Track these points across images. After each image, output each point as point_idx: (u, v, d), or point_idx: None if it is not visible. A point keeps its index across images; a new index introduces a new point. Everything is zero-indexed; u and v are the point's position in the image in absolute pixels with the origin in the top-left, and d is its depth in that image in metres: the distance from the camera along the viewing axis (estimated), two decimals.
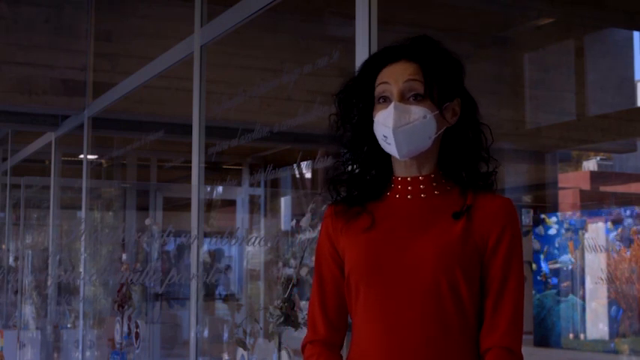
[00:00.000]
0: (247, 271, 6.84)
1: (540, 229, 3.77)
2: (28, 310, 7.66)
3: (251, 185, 7.53)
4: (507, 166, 5.27)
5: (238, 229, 7.49)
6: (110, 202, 7.37)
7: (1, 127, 7.70)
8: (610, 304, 3.51)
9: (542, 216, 3.81)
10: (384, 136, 1.77)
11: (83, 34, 5.56)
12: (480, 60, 4.95)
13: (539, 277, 3.75)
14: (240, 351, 3.78)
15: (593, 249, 3.58)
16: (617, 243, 3.48)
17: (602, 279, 3.53)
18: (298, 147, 4.08)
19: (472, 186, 1.80)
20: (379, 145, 1.81)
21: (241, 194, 7.41)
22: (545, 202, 5.97)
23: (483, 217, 1.76)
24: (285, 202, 7.17)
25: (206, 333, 4.59)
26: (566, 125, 5.51)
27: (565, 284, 3.67)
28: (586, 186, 6.10)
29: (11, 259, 8.87)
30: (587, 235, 3.59)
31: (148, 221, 5.61)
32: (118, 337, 5.33)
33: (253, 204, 7.48)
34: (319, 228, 1.96)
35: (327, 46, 3.11)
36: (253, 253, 6.37)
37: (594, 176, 6.22)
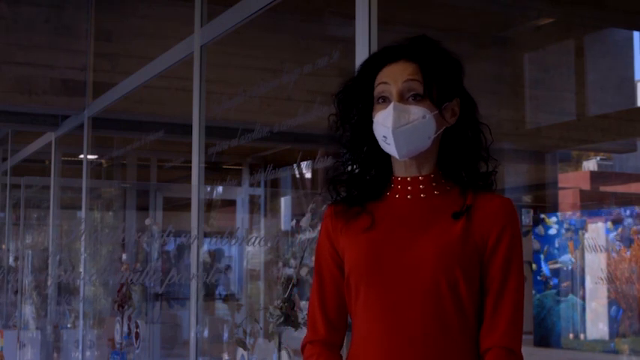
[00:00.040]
0: (247, 271, 6.84)
1: (540, 229, 3.77)
2: (28, 310, 7.66)
3: (251, 185, 7.53)
4: (507, 166, 5.27)
5: (238, 229, 7.49)
6: (110, 202, 7.38)
7: (1, 127, 7.70)
8: (610, 304, 3.51)
9: (542, 216, 3.81)
10: (384, 137, 1.77)
11: (83, 34, 5.56)
12: (480, 60, 4.95)
13: (539, 277, 3.75)
14: (240, 351, 3.78)
15: (593, 249, 3.58)
16: (617, 243, 3.48)
17: (602, 279, 3.53)
18: (298, 147, 4.08)
19: (472, 186, 1.80)
20: (379, 145, 1.81)
21: (241, 194, 7.41)
22: (545, 202, 5.97)
23: (483, 217, 1.76)
24: (285, 202, 7.17)
25: (206, 333, 4.59)
26: (566, 125, 5.51)
27: (565, 284, 3.67)
28: (586, 186, 6.10)
29: (11, 259, 8.87)
30: (587, 235, 3.59)
31: (148, 221, 5.62)
32: (118, 337, 5.33)
33: (253, 204, 7.48)
34: (319, 228, 1.96)
35: (327, 46, 3.11)
36: (253, 253, 6.37)
37: (594, 176, 6.22)
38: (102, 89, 5.47)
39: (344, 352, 1.89)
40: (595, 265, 3.57)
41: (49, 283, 6.87)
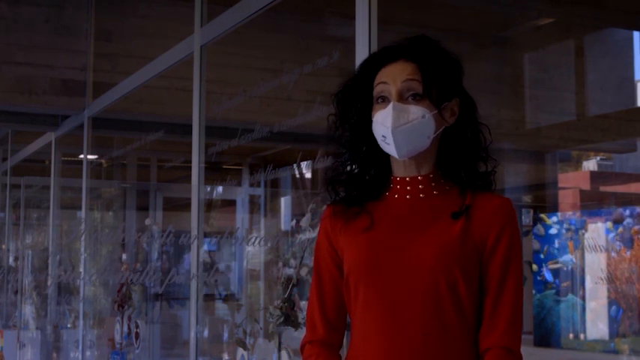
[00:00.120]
0: (247, 271, 6.83)
1: (540, 229, 3.77)
2: (28, 310, 7.66)
3: (251, 185, 7.53)
4: (507, 166, 5.27)
5: (238, 229, 7.49)
6: (110, 202, 7.38)
7: (1, 127, 7.70)
8: (610, 304, 3.51)
9: (542, 216, 3.81)
10: (383, 136, 1.77)
11: (83, 34, 5.56)
12: (480, 60, 4.95)
13: (539, 277, 3.75)
14: (240, 351, 3.78)
15: (593, 249, 3.58)
16: (617, 243, 3.48)
17: (602, 279, 3.53)
18: (298, 147, 4.08)
19: (471, 186, 1.80)
20: (378, 145, 1.81)
21: (241, 194, 7.41)
22: (545, 202, 5.97)
23: (482, 217, 1.76)
24: (285, 202, 7.17)
25: (206, 333, 4.59)
26: (566, 125, 5.51)
27: (565, 284, 3.67)
28: (586, 186, 6.10)
29: (11, 259, 8.87)
30: (587, 235, 3.60)
31: (148, 221, 5.62)
32: (118, 337, 5.33)
33: (253, 204, 7.48)
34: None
35: (327, 46, 3.11)
36: (253, 253, 6.37)
37: (594, 176, 6.22)
38: (102, 89, 5.47)
39: (343, 353, 1.89)
40: (595, 265, 3.57)
41: (49, 283, 6.87)
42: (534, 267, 3.76)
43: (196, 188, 4.03)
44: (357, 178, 1.87)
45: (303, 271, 3.32)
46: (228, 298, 6.54)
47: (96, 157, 6.60)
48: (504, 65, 5.34)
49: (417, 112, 1.75)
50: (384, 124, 1.76)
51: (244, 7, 3.67)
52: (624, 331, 3.46)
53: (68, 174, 7.11)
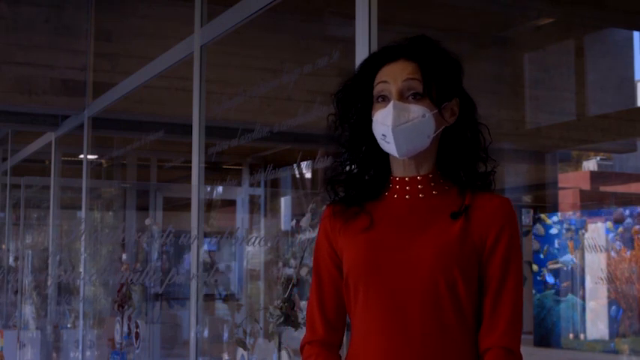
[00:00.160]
0: (247, 271, 6.83)
1: (540, 229, 3.77)
2: (28, 310, 7.66)
3: (251, 185, 7.53)
4: (507, 166, 5.27)
5: (238, 229, 7.49)
6: (110, 202, 7.38)
7: (1, 127, 7.70)
8: (610, 304, 3.51)
9: (542, 216, 3.81)
10: (383, 135, 1.77)
11: (83, 34, 5.56)
12: (480, 60, 4.95)
13: (539, 278, 3.75)
14: (240, 351, 3.78)
15: (593, 249, 3.58)
16: (617, 243, 3.48)
17: (602, 279, 3.53)
18: (298, 147, 4.08)
19: (470, 186, 1.80)
20: (377, 145, 1.81)
21: (241, 194, 7.41)
22: (545, 202, 5.97)
23: (482, 217, 1.76)
24: (285, 202, 7.17)
25: (206, 333, 4.59)
26: (566, 125, 5.51)
27: (565, 284, 3.67)
28: (586, 186, 6.10)
29: (11, 259, 8.87)
30: (587, 235, 3.60)
31: (148, 221, 5.62)
32: (118, 337, 5.33)
33: (253, 204, 7.48)
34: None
35: (327, 46, 3.11)
36: (253, 253, 6.37)
37: (594, 176, 6.22)
38: (102, 89, 5.47)
39: (343, 353, 1.89)
40: (595, 265, 3.57)
41: (49, 283, 6.87)
42: (534, 267, 3.76)
43: (196, 188, 4.03)
44: (356, 178, 1.87)
45: (303, 271, 3.32)
46: (228, 298, 6.54)
47: (96, 157, 6.60)
48: (504, 65, 5.34)
49: (417, 111, 1.75)
50: (384, 122, 1.76)
51: (244, 7, 3.67)
52: (624, 331, 3.46)
53: (68, 174, 7.11)
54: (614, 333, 3.49)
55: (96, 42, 5.55)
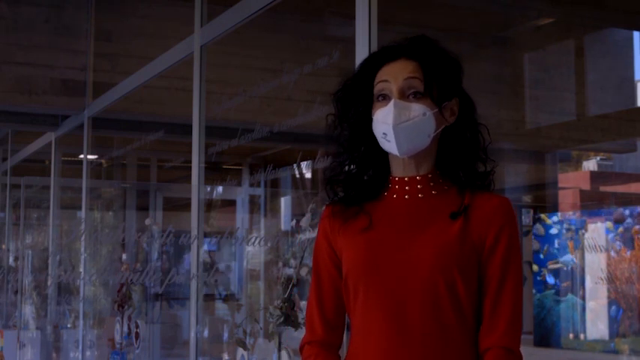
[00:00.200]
0: (247, 271, 6.84)
1: (540, 229, 3.77)
2: (28, 310, 7.66)
3: (251, 185, 7.53)
4: (507, 166, 5.28)
5: (238, 229, 7.49)
6: (110, 202, 7.38)
7: (1, 127, 7.70)
8: (610, 304, 3.51)
9: (542, 216, 3.81)
10: (384, 134, 1.77)
11: (83, 34, 5.56)
12: (480, 60, 4.95)
13: (539, 278, 3.75)
14: (240, 351, 3.78)
15: (593, 249, 3.58)
16: (617, 243, 3.48)
17: (602, 279, 3.53)
18: (298, 147, 4.08)
19: (470, 186, 1.80)
20: (377, 145, 1.81)
21: (241, 194, 7.41)
22: (545, 202, 5.97)
23: (481, 217, 1.76)
24: (285, 202, 7.17)
25: (206, 333, 4.59)
26: (566, 125, 5.51)
27: (565, 284, 3.67)
28: (586, 186, 6.10)
29: (11, 259, 8.87)
30: (587, 235, 3.60)
31: (148, 221, 5.62)
32: (118, 337, 5.33)
33: (253, 204, 7.48)
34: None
35: (327, 46, 3.11)
36: (253, 253, 6.37)
37: (594, 176, 6.22)
38: (102, 89, 5.47)
39: (343, 353, 1.89)
40: (595, 265, 3.57)
41: (49, 283, 6.87)
42: (534, 267, 3.76)
43: (196, 188, 4.03)
44: (355, 178, 1.87)
45: (303, 271, 3.32)
46: (228, 298, 6.55)
47: (96, 157, 6.60)
48: (504, 65, 5.34)
49: (418, 109, 1.75)
50: (385, 121, 1.76)
51: (244, 7, 3.67)
52: (624, 331, 3.46)
53: (68, 174, 7.11)
54: (614, 333, 3.49)
55: (96, 42, 5.55)
